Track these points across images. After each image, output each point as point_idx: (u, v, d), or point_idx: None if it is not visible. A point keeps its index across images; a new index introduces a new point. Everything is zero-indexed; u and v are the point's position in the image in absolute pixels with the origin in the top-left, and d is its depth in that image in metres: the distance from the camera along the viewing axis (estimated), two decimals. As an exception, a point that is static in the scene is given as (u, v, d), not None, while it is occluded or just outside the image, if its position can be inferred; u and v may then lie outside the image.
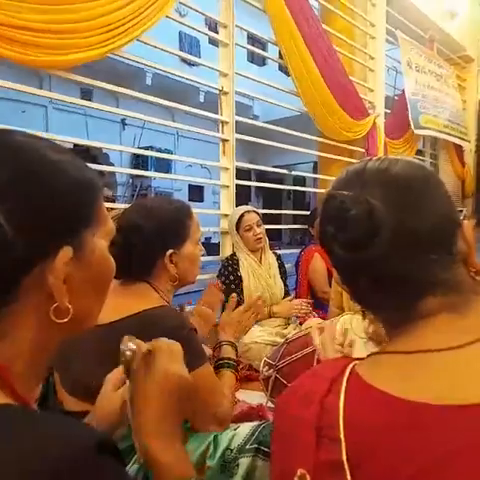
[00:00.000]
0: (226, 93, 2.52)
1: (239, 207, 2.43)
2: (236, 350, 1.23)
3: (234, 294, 1.39)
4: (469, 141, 5.34)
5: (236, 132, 2.57)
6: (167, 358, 0.60)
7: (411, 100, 4.06)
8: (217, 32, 2.59)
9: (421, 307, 0.51)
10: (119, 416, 0.68)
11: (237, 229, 2.29)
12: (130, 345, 0.59)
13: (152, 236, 1.06)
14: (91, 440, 0.36)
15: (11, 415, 0.38)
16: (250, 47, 2.99)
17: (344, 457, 0.43)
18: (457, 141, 4.95)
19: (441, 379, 0.45)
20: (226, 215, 2.54)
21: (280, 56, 2.94)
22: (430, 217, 0.51)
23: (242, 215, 2.29)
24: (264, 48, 3.85)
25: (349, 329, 1.04)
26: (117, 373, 0.71)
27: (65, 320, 0.45)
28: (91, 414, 0.73)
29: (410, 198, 0.52)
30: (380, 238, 0.49)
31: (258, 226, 2.29)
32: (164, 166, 11.01)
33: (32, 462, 0.33)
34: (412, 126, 4.06)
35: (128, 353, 0.58)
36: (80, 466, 0.34)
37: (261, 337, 2.05)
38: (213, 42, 6.96)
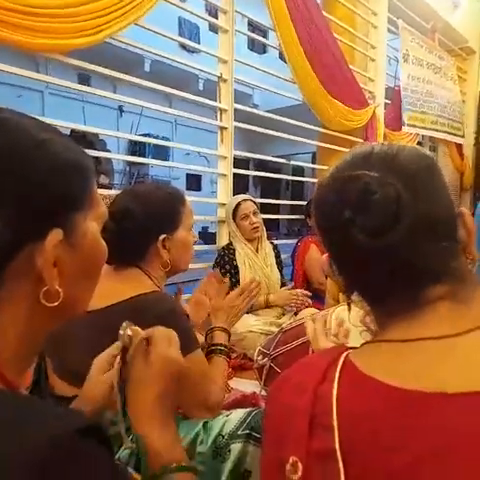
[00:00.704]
0: (225, 80, 2.50)
1: (236, 196, 2.42)
2: (229, 336, 1.22)
3: (226, 279, 1.37)
4: (462, 136, 5.30)
5: (235, 120, 2.55)
6: (166, 344, 0.61)
7: (402, 95, 4.04)
8: (217, 18, 2.55)
9: (426, 295, 0.50)
10: (106, 399, 0.68)
11: (233, 218, 2.29)
12: (128, 331, 0.61)
13: (144, 221, 1.05)
14: (75, 425, 0.36)
15: None
16: (250, 34, 2.95)
17: (337, 445, 0.42)
18: (448, 138, 4.92)
19: (438, 367, 0.44)
20: (223, 204, 2.53)
21: (279, 45, 2.91)
22: (441, 204, 0.51)
23: (239, 203, 2.29)
24: (265, 35, 3.80)
25: (345, 319, 1.04)
26: (104, 357, 0.71)
27: (55, 304, 0.44)
28: (78, 398, 0.72)
29: (424, 185, 0.51)
30: (402, 224, 0.48)
31: (254, 215, 2.28)
32: (162, 154, 10.95)
33: (13, 448, 0.33)
34: (401, 122, 4.04)
35: (126, 339, 0.60)
36: (63, 451, 0.34)
37: (256, 326, 2.05)
38: (213, 29, 6.89)
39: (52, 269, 0.43)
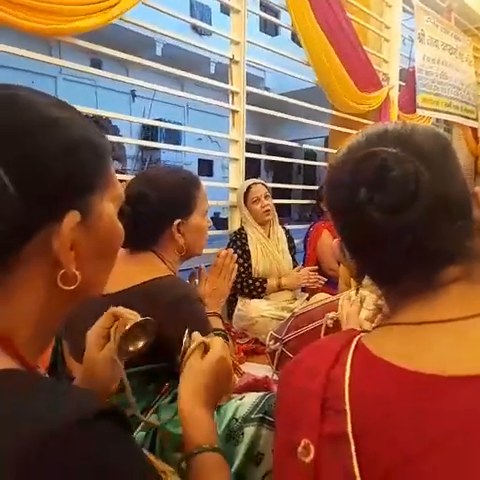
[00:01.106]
0: (237, 62, 2.46)
1: (247, 180, 2.41)
2: (221, 318, 1.23)
3: (202, 265, 1.35)
4: (475, 119, 5.16)
5: (246, 104, 2.52)
6: (221, 348, 0.70)
7: (417, 77, 3.93)
8: (229, -2, 2.51)
9: (441, 276, 0.49)
10: (109, 375, 0.70)
11: (245, 201, 2.28)
12: (188, 337, 0.72)
13: (159, 205, 1.05)
14: (93, 407, 0.36)
15: (12, 380, 0.38)
16: (262, 14, 2.89)
17: (349, 429, 0.42)
18: (461, 121, 4.80)
19: (452, 349, 0.44)
20: (235, 189, 2.52)
21: (293, 24, 2.85)
22: (457, 184, 0.50)
23: (250, 187, 2.29)
24: (276, 16, 3.73)
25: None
26: (97, 330, 0.73)
27: (73, 287, 0.44)
28: (82, 375, 0.73)
29: (440, 164, 0.50)
30: (420, 202, 0.47)
31: (266, 198, 2.28)
32: (174, 140, 10.92)
33: (25, 426, 0.33)
34: (416, 104, 3.95)
35: (187, 344, 0.71)
36: (81, 433, 0.34)
37: (268, 311, 2.06)
38: (225, 10, 6.77)
39: (69, 252, 0.43)
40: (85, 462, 0.33)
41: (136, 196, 1.03)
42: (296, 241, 2.58)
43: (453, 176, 0.51)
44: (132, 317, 0.71)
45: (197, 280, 1.30)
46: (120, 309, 0.73)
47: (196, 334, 0.72)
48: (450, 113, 4.51)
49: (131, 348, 0.71)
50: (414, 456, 0.39)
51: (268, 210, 2.27)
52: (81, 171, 0.44)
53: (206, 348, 0.70)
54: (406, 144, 0.50)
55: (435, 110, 4.21)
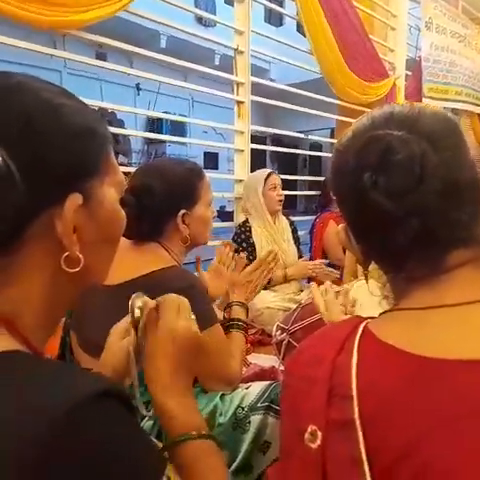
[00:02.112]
0: (242, 52, 2.44)
1: (257, 171, 2.41)
2: (247, 310, 1.22)
3: (243, 254, 1.36)
4: None
5: (252, 94, 2.50)
6: (175, 313, 0.60)
7: (423, 66, 3.88)
8: (233, -12, 2.49)
9: (449, 261, 0.49)
10: (124, 367, 0.68)
11: (263, 187, 2.27)
12: (138, 303, 0.59)
13: (163, 196, 1.05)
14: (98, 387, 0.36)
15: (20, 361, 0.38)
16: (267, 3, 2.86)
17: (356, 415, 0.42)
18: (471, 108, 4.74)
19: (460, 334, 0.44)
20: (240, 180, 2.51)
21: (298, 14, 2.82)
22: (466, 168, 0.49)
23: (269, 174, 2.31)
24: (281, 5, 3.69)
25: (350, 288, 1.03)
26: (122, 324, 0.71)
27: (76, 269, 0.44)
28: (98, 366, 0.74)
29: (449, 147, 0.49)
30: (426, 186, 0.46)
31: (280, 188, 2.31)
32: (179, 133, 10.90)
33: (34, 407, 0.33)
34: (421, 94, 3.90)
35: (136, 310, 0.58)
36: (86, 410, 0.34)
37: (274, 302, 2.06)
38: (229, 2, 6.72)
39: (72, 235, 0.43)
40: (101, 434, 0.34)
41: (141, 187, 1.03)
42: (302, 232, 2.57)
43: (462, 160, 0.50)
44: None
45: (201, 268, 1.30)
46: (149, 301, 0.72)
47: (145, 301, 0.60)
48: (461, 101, 4.45)
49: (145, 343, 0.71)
50: (422, 440, 0.39)
51: (281, 200, 2.31)
52: (82, 156, 0.45)
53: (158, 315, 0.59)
54: (413, 127, 0.49)
55: (444, 99, 4.15)
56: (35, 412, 0.33)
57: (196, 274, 1.30)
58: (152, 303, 0.60)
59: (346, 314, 0.96)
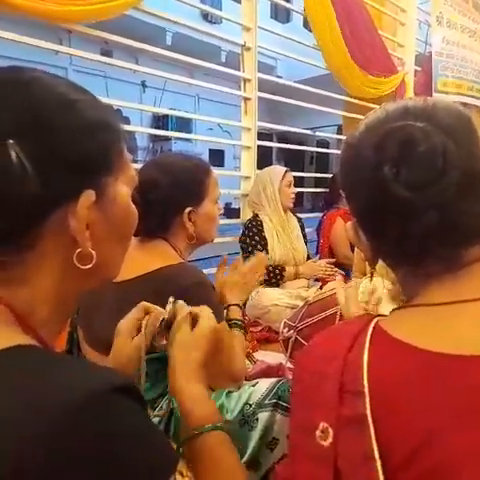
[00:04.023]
0: (248, 49, 2.43)
1: (275, 166, 2.45)
2: (242, 310, 1.22)
3: (238, 257, 1.35)
4: None
5: (259, 91, 2.49)
6: (211, 318, 0.68)
7: (435, 60, 3.84)
8: (239, -16, 2.48)
9: (466, 256, 0.48)
10: (133, 366, 0.69)
11: (280, 184, 2.29)
12: (173, 305, 0.69)
13: (170, 193, 1.04)
14: (112, 381, 0.36)
15: (34, 355, 0.38)
16: (274, -1, 2.85)
17: (368, 411, 0.42)
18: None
19: (472, 329, 0.43)
20: (247, 177, 2.50)
21: (305, 9, 2.79)
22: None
23: (286, 171, 2.33)
24: (288, 1, 3.67)
25: (377, 287, 1.02)
26: (130, 322, 0.72)
27: (88, 266, 0.44)
28: (108, 362, 0.74)
29: (466, 140, 0.48)
30: (447, 178, 0.45)
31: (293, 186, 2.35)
32: (185, 130, 10.90)
33: (48, 402, 0.33)
34: (432, 89, 3.85)
35: (171, 312, 0.68)
36: (100, 405, 0.34)
37: (281, 300, 2.05)
38: (235, -2, 6.69)
39: (85, 231, 0.43)
40: (115, 429, 0.34)
41: (147, 183, 1.03)
42: (308, 230, 2.57)
43: (478, 153, 0.49)
44: (161, 310, 0.72)
45: (227, 267, 1.29)
46: (150, 304, 0.74)
47: (181, 303, 0.69)
48: (473, 97, 4.41)
49: (155, 344, 0.72)
50: (436, 437, 0.38)
51: (294, 198, 2.34)
52: (97, 152, 0.44)
53: (194, 319, 0.67)
54: (431, 119, 0.48)
55: (457, 94, 4.11)
56: (49, 407, 0.32)
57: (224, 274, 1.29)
58: (188, 308, 0.68)
59: (366, 311, 0.94)
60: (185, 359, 0.62)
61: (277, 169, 2.36)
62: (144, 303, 0.74)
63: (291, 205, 2.34)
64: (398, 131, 0.48)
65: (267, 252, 2.17)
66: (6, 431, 0.31)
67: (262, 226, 2.23)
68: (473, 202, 0.47)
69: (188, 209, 1.07)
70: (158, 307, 0.74)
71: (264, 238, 2.20)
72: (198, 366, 0.62)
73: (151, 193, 1.02)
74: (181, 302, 0.69)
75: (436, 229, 0.47)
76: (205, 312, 0.68)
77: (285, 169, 2.35)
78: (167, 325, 0.67)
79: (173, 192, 1.05)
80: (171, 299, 0.69)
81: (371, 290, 1.02)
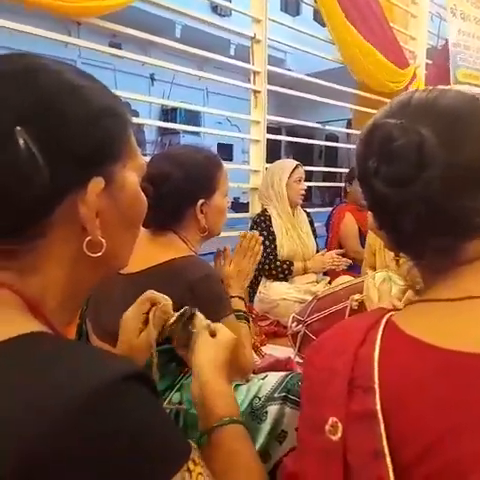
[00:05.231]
0: (258, 41, 2.41)
1: (286, 160, 2.39)
2: (244, 301, 1.22)
3: (227, 246, 1.34)
4: None
5: (268, 84, 2.48)
6: (229, 331, 0.71)
7: (452, 52, 3.78)
8: (249, -25, 2.45)
9: (468, 251, 0.47)
10: (142, 357, 0.70)
11: (288, 179, 2.24)
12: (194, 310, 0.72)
13: (183, 185, 1.04)
14: (127, 370, 0.36)
15: (48, 342, 0.38)
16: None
17: (378, 407, 0.41)
18: None
19: None
20: (256, 171, 2.49)
21: (316, 1, 2.77)
22: None
23: (297, 166, 2.28)
24: (299, -7, 3.64)
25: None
26: (135, 316, 0.73)
27: (99, 254, 0.44)
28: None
29: (465, 131, 0.47)
30: (429, 173, 0.45)
31: (303, 181, 2.30)
32: (193, 124, 10.88)
33: (62, 388, 0.33)
34: (451, 81, 3.80)
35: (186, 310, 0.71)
36: (115, 392, 0.34)
37: (289, 294, 2.05)
38: (245, -10, 6.64)
39: (94, 219, 0.43)
40: (120, 425, 0.34)
41: (159, 176, 1.02)
42: (318, 224, 2.55)
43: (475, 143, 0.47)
44: (166, 302, 0.72)
45: (223, 261, 1.29)
46: (155, 294, 0.73)
47: (200, 316, 0.72)
48: None
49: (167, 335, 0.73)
50: (448, 436, 0.38)
51: (304, 194, 2.29)
52: (105, 139, 0.44)
53: (211, 332, 0.70)
54: (427, 112, 0.48)
55: (476, 85, 4.05)
56: (62, 392, 0.33)
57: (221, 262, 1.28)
58: (207, 321, 0.72)
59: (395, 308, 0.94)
60: (214, 357, 0.65)
61: (287, 163, 2.32)
62: (149, 293, 0.74)
63: (300, 201, 2.30)
64: (378, 128, 0.49)
65: (275, 247, 2.16)
66: (7, 430, 0.31)
67: (270, 221, 2.21)
68: (469, 194, 0.46)
69: (201, 201, 1.07)
70: (165, 296, 0.74)
71: (272, 233, 2.19)
72: (221, 364, 0.65)
73: (164, 186, 1.02)
74: (200, 315, 0.72)
75: (425, 221, 0.47)
76: (222, 326, 0.71)
77: (295, 164, 2.29)
78: (184, 326, 0.70)
79: (186, 185, 1.05)
80: (195, 310, 0.72)
81: (404, 289, 1.00)
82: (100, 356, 0.39)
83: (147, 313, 0.72)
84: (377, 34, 2.92)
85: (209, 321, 0.71)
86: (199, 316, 0.71)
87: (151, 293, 0.74)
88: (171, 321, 0.71)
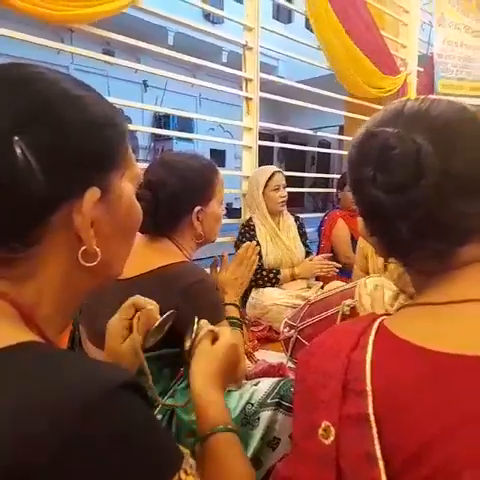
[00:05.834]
0: (250, 48, 2.43)
1: (265, 166, 2.33)
2: (239, 308, 1.22)
3: (225, 252, 1.34)
4: None
5: (260, 91, 2.49)
6: (231, 336, 0.71)
7: (436, 62, 3.83)
8: (241, -16, 2.48)
9: (461, 255, 0.48)
10: (129, 365, 0.69)
11: (264, 188, 2.20)
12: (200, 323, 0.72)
13: (180, 192, 1.05)
14: (120, 378, 0.36)
15: (38, 352, 0.38)
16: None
17: (370, 410, 0.42)
18: None
19: (474, 329, 0.43)
20: (248, 177, 2.49)
21: (307, 9, 2.79)
22: (476, 161, 0.48)
23: (273, 174, 2.21)
24: (290, 1, 3.67)
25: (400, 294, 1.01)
26: (120, 322, 0.72)
27: (93, 264, 0.44)
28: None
29: (456, 140, 0.48)
30: (426, 180, 0.46)
31: (284, 188, 2.23)
32: (186, 130, 10.89)
33: (56, 397, 0.33)
34: (434, 91, 3.85)
35: (196, 327, 0.71)
36: (105, 402, 0.34)
37: (281, 299, 2.05)
38: (237, -2, 6.69)
39: (89, 229, 0.43)
40: (118, 428, 0.34)
41: (157, 182, 1.03)
42: (310, 230, 2.55)
43: (474, 152, 0.49)
44: (151, 307, 0.71)
45: (218, 268, 1.29)
46: (139, 299, 0.73)
47: (204, 321, 0.72)
48: (478, 96, 4.39)
49: (152, 339, 0.72)
50: (440, 438, 0.38)
51: (284, 201, 2.22)
52: (102, 149, 0.44)
53: (214, 336, 0.70)
54: (420, 120, 0.49)
55: (459, 95, 4.10)
56: (54, 404, 0.32)
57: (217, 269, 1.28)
58: (210, 326, 0.72)
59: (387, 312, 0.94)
60: (204, 368, 0.66)
61: (263, 171, 2.26)
62: (134, 298, 0.73)
63: (281, 209, 2.23)
64: (375, 136, 0.50)
65: (261, 257, 2.14)
66: (11, 429, 0.31)
67: (255, 230, 2.20)
68: (464, 201, 0.47)
69: (197, 208, 1.08)
70: (151, 301, 0.73)
71: (258, 242, 2.14)
72: (216, 374, 0.65)
73: (161, 192, 1.02)
74: (204, 321, 0.72)
75: (421, 227, 0.48)
76: (225, 330, 0.72)
77: (272, 172, 2.22)
78: (192, 340, 0.70)
79: (183, 192, 1.06)
80: (196, 319, 0.72)
81: (396, 295, 1.01)
82: (94, 365, 0.38)
83: (131, 319, 0.71)
84: (367, 42, 2.95)
85: (213, 327, 0.72)
86: (201, 324, 0.72)
87: (136, 298, 0.73)
88: (154, 326, 0.70)
